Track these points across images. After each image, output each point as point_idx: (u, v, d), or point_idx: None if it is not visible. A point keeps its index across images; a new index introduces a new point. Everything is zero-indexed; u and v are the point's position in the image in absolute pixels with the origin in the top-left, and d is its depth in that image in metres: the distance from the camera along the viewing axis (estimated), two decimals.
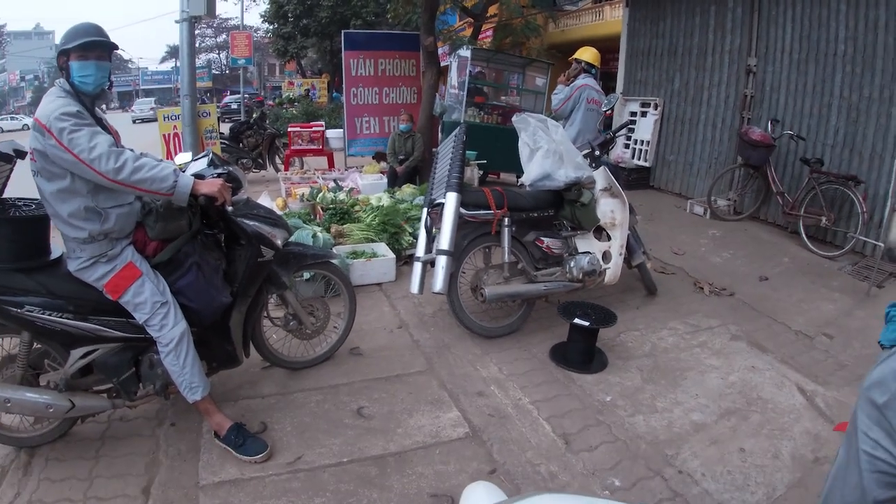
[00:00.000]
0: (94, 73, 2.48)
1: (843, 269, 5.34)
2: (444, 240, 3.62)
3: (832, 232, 5.83)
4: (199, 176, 2.65)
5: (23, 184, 2.74)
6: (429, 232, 4.00)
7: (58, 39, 2.63)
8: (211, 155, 2.97)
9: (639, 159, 8.65)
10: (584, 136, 5.53)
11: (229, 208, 2.76)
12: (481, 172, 9.21)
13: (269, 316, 3.40)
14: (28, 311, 2.45)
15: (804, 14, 6.16)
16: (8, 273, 2.45)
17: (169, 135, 7.50)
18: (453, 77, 11.01)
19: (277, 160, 11.34)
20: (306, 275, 4.07)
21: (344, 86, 10.07)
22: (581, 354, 3.67)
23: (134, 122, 32.99)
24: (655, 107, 8.36)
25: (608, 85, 10.08)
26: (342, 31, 10.34)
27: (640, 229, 4.86)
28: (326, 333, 3.63)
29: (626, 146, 8.82)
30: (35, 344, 2.66)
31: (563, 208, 4.13)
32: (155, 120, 7.95)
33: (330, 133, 11.15)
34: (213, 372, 3.01)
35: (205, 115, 7.56)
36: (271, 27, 27.72)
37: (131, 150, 2.50)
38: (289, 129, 10.93)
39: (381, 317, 4.40)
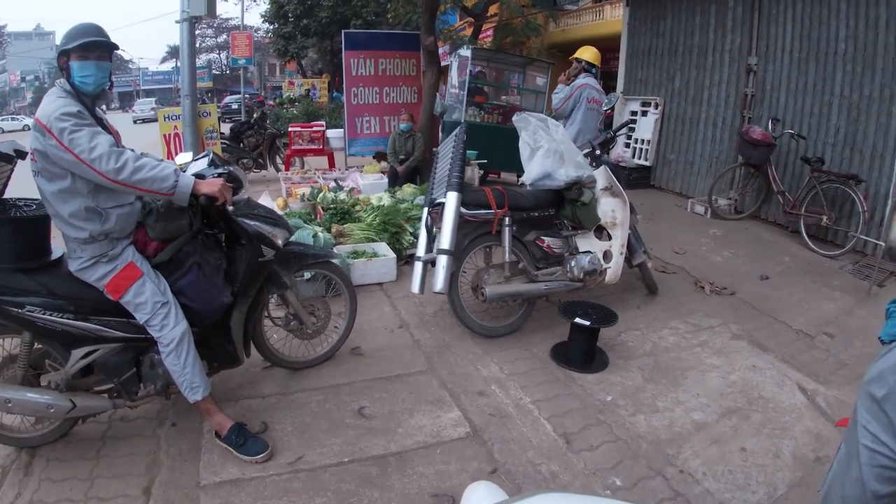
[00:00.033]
0: (94, 73, 2.48)
1: (843, 268, 5.34)
2: (445, 239, 3.61)
3: (833, 231, 5.82)
4: (199, 176, 2.64)
5: (23, 184, 2.74)
6: (429, 231, 4.00)
7: (58, 40, 2.63)
8: (211, 155, 2.96)
9: (639, 158, 8.64)
10: (585, 136, 5.52)
11: (230, 208, 2.76)
12: (482, 172, 9.21)
13: (270, 316, 3.40)
14: (29, 311, 2.45)
15: (804, 13, 6.15)
16: (9, 273, 2.45)
17: (169, 135, 7.51)
18: (454, 76, 11.02)
19: (278, 160, 11.35)
20: (307, 274, 4.07)
21: (344, 85, 10.07)
22: (582, 354, 3.67)
23: (135, 122, 33.04)
24: (656, 106, 8.35)
25: (609, 84, 10.07)
26: (342, 31, 10.34)
27: (640, 228, 4.86)
28: (327, 333, 3.63)
29: (627, 145, 8.81)
30: (36, 344, 2.66)
31: (564, 207, 4.13)
32: (156, 120, 7.94)
33: (330, 133, 11.15)
34: (214, 372, 3.01)
35: (205, 115, 7.56)
36: (272, 27, 27.70)
37: (132, 150, 2.50)
38: (289, 129, 10.93)
39: (382, 316, 4.40)
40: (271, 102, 27.52)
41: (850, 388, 3.39)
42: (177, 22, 6.76)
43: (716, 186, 6.93)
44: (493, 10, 12.21)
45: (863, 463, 1.38)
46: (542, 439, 2.94)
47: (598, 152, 4.51)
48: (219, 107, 16.16)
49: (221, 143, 8.69)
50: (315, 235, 4.90)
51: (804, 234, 5.84)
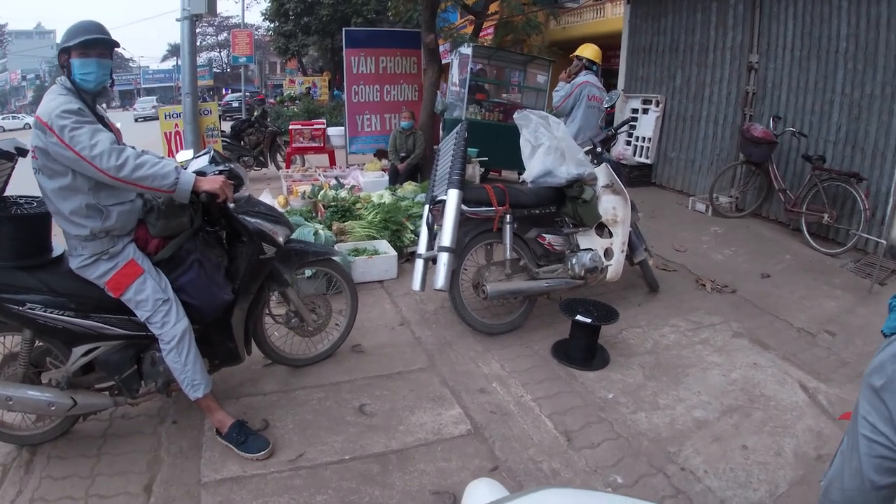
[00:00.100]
0: (95, 70, 2.48)
1: (845, 266, 5.33)
2: (446, 237, 3.61)
3: (834, 229, 5.81)
4: (200, 173, 2.64)
5: (24, 182, 2.74)
6: (430, 229, 3.99)
7: (59, 39, 2.64)
8: (212, 152, 2.96)
9: (640, 156, 8.62)
10: (585, 133, 5.52)
11: (231, 205, 2.76)
12: (483, 169, 9.20)
13: (271, 313, 3.40)
14: (30, 308, 2.45)
15: (805, 11, 6.14)
16: (9, 271, 2.45)
17: (170, 133, 7.51)
18: (454, 74, 11.01)
19: (279, 158, 11.35)
20: (308, 272, 4.07)
21: (345, 83, 10.05)
22: (583, 351, 3.67)
23: (136, 120, 33.06)
24: (657, 104, 8.34)
25: (609, 82, 10.04)
26: (343, 29, 10.33)
27: (641, 226, 4.86)
28: (328, 331, 3.63)
29: (628, 143, 8.80)
30: (37, 342, 2.66)
31: (565, 205, 4.13)
32: (157, 118, 7.95)
33: (331, 131, 11.15)
34: (215, 369, 3.01)
35: (206, 113, 7.57)
36: (272, 25, 27.69)
37: (132, 147, 2.50)
38: (290, 127, 10.93)
39: (383, 314, 4.40)
40: (272, 100, 27.54)
41: (852, 386, 3.39)
42: (177, 20, 6.77)
43: (717, 184, 6.91)
44: (493, 7, 12.17)
45: (862, 454, 1.39)
46: (544, 437, 2.94)
47: (599, 150, 4.51)
48: (219, 105, 16.15)
49: (222, 140, 8.69)
50: (316, 233, 4.90)
51: (805, 232, 5.83)
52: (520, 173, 9.00)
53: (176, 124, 7.42)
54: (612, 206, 4.30)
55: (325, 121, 11.99)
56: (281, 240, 3.02)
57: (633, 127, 8.62)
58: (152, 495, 2.52)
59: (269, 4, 26.02)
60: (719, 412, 3.17)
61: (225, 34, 45.73)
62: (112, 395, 2.78)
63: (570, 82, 5.81)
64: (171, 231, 2.66)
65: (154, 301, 2.56)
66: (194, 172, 2.60)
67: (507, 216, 3.85)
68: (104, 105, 3.01)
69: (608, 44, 10.49)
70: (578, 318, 3.57)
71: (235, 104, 28.23)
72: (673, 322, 4.25)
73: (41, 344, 2.70)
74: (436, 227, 3.92)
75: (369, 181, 7.93)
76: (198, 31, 7.65)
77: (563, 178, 3.98)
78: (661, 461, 2.77)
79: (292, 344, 3.58)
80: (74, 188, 2.41)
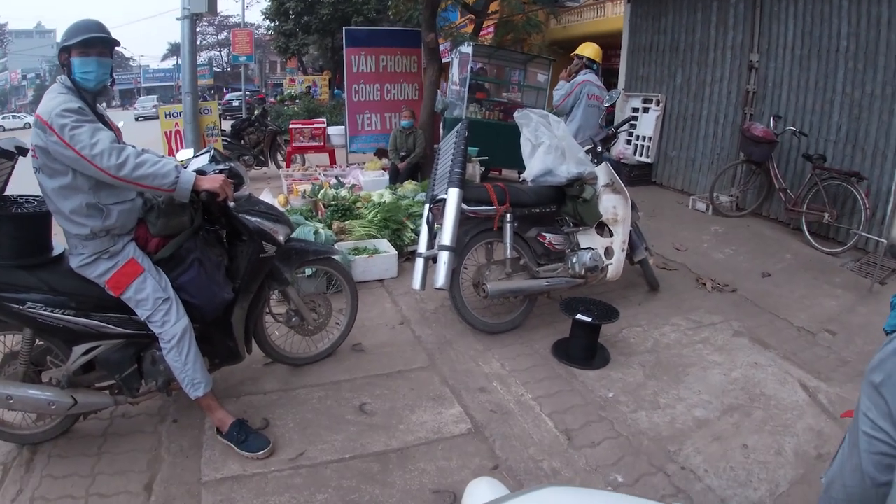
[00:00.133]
0: (95, 69, 2.48)
1: (845, 265, 5.33)
2: (446, 235, 3.61)
3: (835, 228, 5.81)
4: (200, 172, 2.64)
5: (25, 180, 2.74)
6: (431, 228, 4.00)
7: (59, 38, 2.64)
8: (213, 151, 2.96)
9: (641, 155, 8.62)
10: (585, 132, 5.51)
11: (231, 204, 2.76)
12: (483, 168, 9.20)
13: (272, 312, 3.40)
14: (30, 307, 2.45)
15: (806, 10, 6.13)
16: (10, 270, 2.45)
17: (171, 132, 7.51)
18: (455, 73, 11.01)
19: (279, 157, 11.35)
20: (308, 271, 4.07)
21: (345, 82, 10.05)
22: (583, 350, 3.67)
23: (137, 119, 33.07)
24: (657, 103, 8.34)
25: (610, 81, 10.03)
26: (343, 28, 10.33)
27: (642, 225, 4.86)
28: (328, 330, 3.63)
29: (628, 142, 8.80)
30: (37, 341, 2.66)
31: (566, 204, 4.13)
32: (157, 117, 7.96)
33: (331, 130, 11.14)
34: (216, 368, 3.01)
35: (206, 112, 7.56)
36: (272, 24, 27.65)
37: (133, 146, 2.50)
38: (290, 126, 10.93)
39: (383, 313, 4.40)
40: (272, 100, 27.53)
41: (852, 385, 3.39)
42: (178, 19, 6.77)
43: (717, 183, 6.91)
44: (494, 6, 12.17)
45: (862, 450, 1.40)
46: (544, 436, 2.94)
47: (599, 149, 4.51)
48: (220, 104, 16.16)
49: (222, 140, 8.68)
50: (316, 232, 4.90)
51: (806, 232, 5.83)
52: (520, 172, 9.00)
53: (176, 123, 7.42)
54: (612, 205, 4.30)
55: (325, 120, 11.98)
56: (281, 238, 3.02)
57: (634, 126, 8.62)
58: (153, 494, 2.52)
59: (270, 3, 25.98)
60: (720, 411, 3.17)
61: (225, 33, 45.75)
62: (112, 393, 2.78)
63: (570, 81, 5.81)
64: (172, 230, 2.66)
65: (154, 300, 2.56)
66: (195, 171, 2.59)
67: (508, 215, 3.85)
68: (104, 104, 3.00)
69: (609, 43, 10.48)
70: (579, 317, 3.57)
71: (236, 103, 28.23)
72: (673, 321, 4.25)
73: (41, 343, 2.70)
74: (436, 225, 3.92)
75: (369, 180, 7.93)
76: (198, 30, 7.64)
77: (563, 177, 3.98)
78: (662, 460, 2.77)
79: (292, 343, 3.58)
80: (75, 187, 2.41)
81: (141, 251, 2.62)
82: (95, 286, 2.55)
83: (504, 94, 11.68)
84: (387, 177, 8.16)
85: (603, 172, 4.36)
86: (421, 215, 4.68)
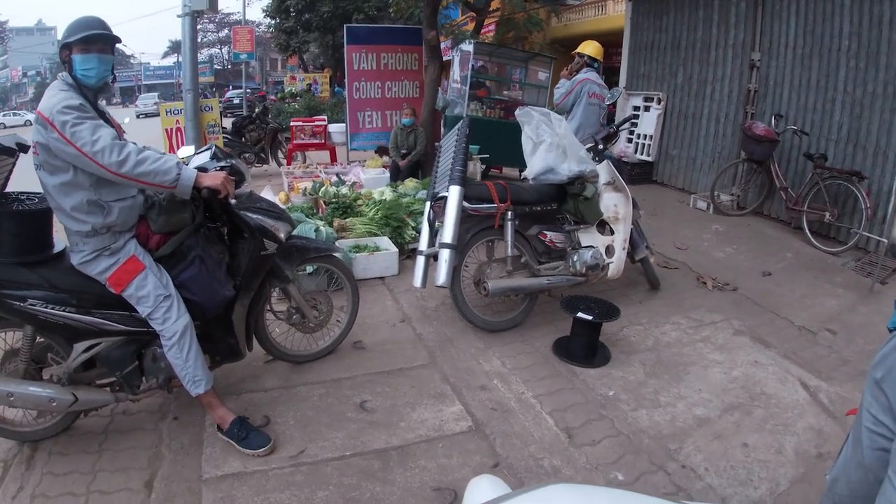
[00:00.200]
0: (96, 66, 2.48)
1: (846, 264, 5.32)
2: (448, 233, 3.61)
3: (836, 227, 5.81)
4: (202, 169, 2.64)
5: (25, 178, 2.74)
6: (432, 226, 3.99)
7: (60, 36, 2.64)
8: (214, 148, 2.96)
9: (642, 154, 8.62)
10: (585, 131, 5.51)
11: (232, 201, 2.76)
12: (484, 167, 9.19)
13: (272, 309, 3.41)
14: (31, 304, 2.45)
15: (808, 9, 6.12)
16: (11, 267, 2.45)
17: (171, 129, 7.50)
18: (456, 71, 11.00)
19: (280, 154, 11.35)
20: (309, 268, 4.08)
21: (346, 80, 10.04)
22: (584, 349, 3.67)
23: (138, 116, 33.06)
24: (659, 101, 8.33)
25: (611, 79, 10.04)
26: (344, 26, 10.30)
27: (643, 224, 4.86)
28: (329, 327, 3.63)
29: (630, 141, 8.79)
30: (38, 338, 2.66)
31: (567, 202, 4.13)
32: (158, 115, 7.95)
33: (332, 127, 11.14)
34: (216, 365, 3.01)
35: (207, 109, 7.55)
36: (273, 22, 27.58)
37: (134, 143, 2.50)
38: (291, 124, 10.93)
39: (384, 311, 4.40)
40: (273, 97, 27.50)
41: (853, 384, 3.39)
42: (178, 17, 6.75)
43: (718, 182, 6.91)
44: (495, 4, 12.17)
45: (864, 446, 1.40)
46: (544, 434, 2.94)
47: (601, 147, 4.50)
48: (220, 101, 16.12)
49: (223, 137, 8.68)
50: (317, 229, 4.90)
51: (807, 231, 5.83)
52: (521, 170, 9.00)
53: (177, 121, 7.41)
54: (613, 203, 4.30)
55: (326, 117, 11.98)
56: (282, 236, 3.02)
57: (635, 125, 8.61)
58: (153, 491, 2.52)
59: (270, 1, 25.93)
60: (720, 410, 3.17)
61: (226, 31, 45.73)
62: (113, 391, 2.78)
63: (571, 79, 5.80)
64: (173, 227, 2.66)
65: (155, 297, 2.56)
66: (196, 168, 2.59)
67: (509, 213, 3.85)
68: (104, 101, 3.00)
69: (610, 41, 10.48)
70: (580, 315, 3.57)
71: (236, 101, 28.20)
72: (674, 320, 4.25)
73: (42, 340, 2.70)
74: (437, 223, 3.91)
75: (370, 178, 7.92)
76: (199, 27, 7.64)
77: (564, 176, 3.98)
78: (662, 459, 2.77)
79: (293, 340, 3.58)
80: (76, 184, 2.41)
81: (142, 248, 2.62)
82: (96, 283, 2.55)
83: (505, 92, 11.68)
84: (387, 174, 8.15)
85: (604, 171, 4.35)
86: (422, 213, 4.68)
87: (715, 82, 7.46)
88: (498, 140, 9.02)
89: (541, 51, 13.36)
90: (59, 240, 2.67)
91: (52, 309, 2.48)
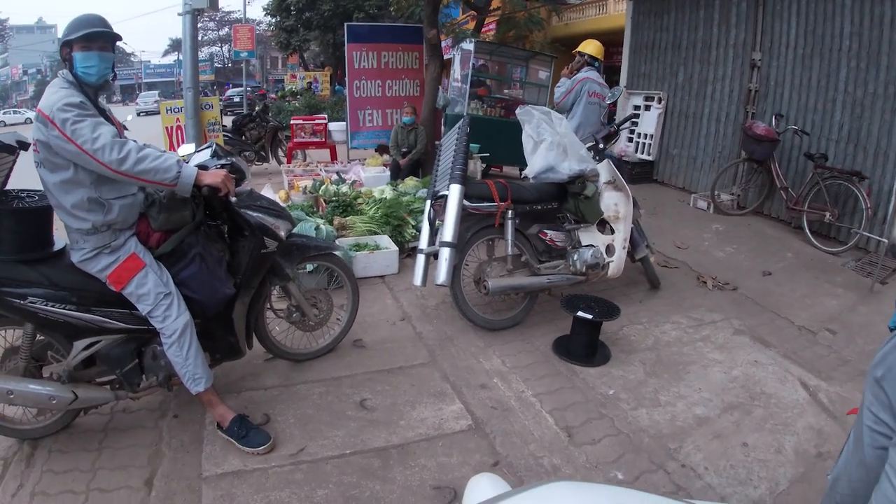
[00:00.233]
0: (97, 63, 2.47)
1: (846, 264, 5.32)
2: (448, 232, 3.60)
3: (836, 227, 5.81)
4: (202, 167, 2.64)
5: (26, 175, 2.74)
6: (432, 224, 3.99)
7: (60, 34, 2.64)
8: (214, 146, 2.95)
9: (642, 153, 8.62)
10: (585, 130, 5.50)
11: (233, 199, 2.76)
12: (484, 165, 9.19)
13: (273, 307, 3.41)
14: (31, 302, 2.45)
15: (809, 9, 6.12)
16: (11, 264, 2.45)
17: (172, 127, 7.50)
18: (456, 70, 10.98)
19: (280, 153, 11.35)
20: (309, 266, 4.08)
21: (347, 78, 10.03)
22: (584, 347, 3.67)
23: (139, 114, 33.07)
24: (659, 100, 8.33)
25: (612, 78, 10.04)
26: (345, 24, 10.30)
27: (643, 223, 4.86)
28: (329, 325, 3.63)
29: (630, 140, 8.79)
30: (38, 336, 2.66)
31: (567, 201, 4.13)
32: (159, 113, 7.95)
33: (333, 126, 11.13)
34: (216, 363, 3.01)
35: (207, 107, 7.54)
36: (274, 20, 27.58)
37: (134, 141, 2.50)
38: (291, 122, 10.92)
39: (384, 309, 4.40)
40: (273, 95, 27.47)
41: (852, 384, 3.40)
42: (179, 15, 6.75)
43: (719, 182, 6.91)
44: (495, 3, 12.17)
45: (866, 444, 1.41)
46: (544, 432, 2.94)
47: (601, 146, 4.50)
48: (221, 100, 16.11)
49: (223, 135, 8.68)
50: (317, 228, 4.90)
51: (807, 231, 5.83)
52: (521, 169, 9.00)
53: (177, 119, 7.41)
54: (613, 202, 4.29)
55: (326, 116, 11.97)
56: (283, 234, 3.02)
57: (636, 124, 8.61)
58: (153, 489, 2.52)
59: None
60: (720, 409, 3.18)
61: (226, 29, 45.75)
62: (113, 389, 2.79)
63: (571, 78, 5.80)
64: (173, 225, 2.66)
65: (156, 295, 2.56)
66: (196, 166, 2.59)
67: (509, 212, 3.85)
68: (105, 98, 3.00)
69: (611, 40, 10.49)
70: (580, 314, 3.57)
71: (237, 99, 28.17)
72: (674, 319, 4.25)
73: (42, 338, 2.70)
74: (437, 222, 3.91)
75: (370, 176, 7.92)
76: (199, 25, 7.63)
77: (565, 174, 3.98)
78: (662, 458, 2.77)
79: (293, 338, 3.58)
80: (76, 182, 2.41)
81: (142, 246, 2.62)
82: (96, 281, 2.55)
83: (506, 91, 11.66)
84: (388, 173, 8.14)
85: (605, 170, 4.35)
86: (422, 212, 4.67)
87: (716, 82, 7.46)
88: (498, 139, 9.01)
89: (541, 50, 13.37)
90: (60, 237, 2.67)
91: (52, 307, 2.48)
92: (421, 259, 3.93)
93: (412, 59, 10.04)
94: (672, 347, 3.86)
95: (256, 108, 12.51)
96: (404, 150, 8.42)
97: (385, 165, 8.63)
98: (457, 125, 3.98)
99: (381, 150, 9.63)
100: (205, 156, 2.86)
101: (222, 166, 2.72)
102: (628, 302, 4.47)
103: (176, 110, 7.42)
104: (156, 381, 2.77)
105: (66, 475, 2.58)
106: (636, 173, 8.23)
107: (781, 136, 6.26)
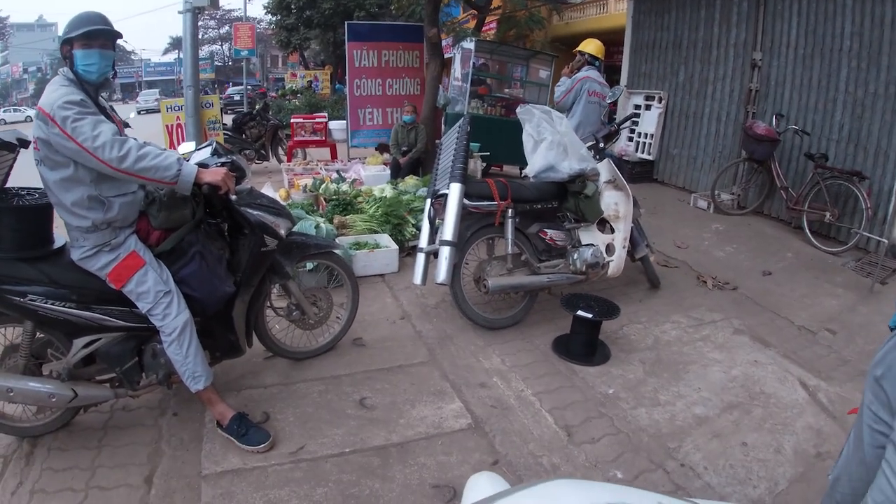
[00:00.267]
0: (97, 61, 2.47)
1: (846, 264, 5.33)
2: (448, 231, 3.60)
3: (836, 227, 5.81)
4: (202, 165, 2.64)
5: (26, 173, 2.74)
6: (432, 223, 3.99)
7: (60, 32, 2.63)
8: (214, 144, 2.95)
9: (642, 152, 8.62)
10: (585, 129, 5.50)
11: (233, 197, 2.76)
12: (484, 164, 9.19)
13: (272, 306, 3.40)
14: (31, 300, 2.45)
15: (810, 9, 6.12)
16: (11, 262, 2.45)
17: (172, 125, 7.50)
18: (457, 69, 10.98)
19: (280, 151, 11.34)
20: (309, 265, 4.07)
21: (347, 77, 10.03)
22: (584, 346, 3.67)
23: (139, 112, 33.06)
24: (660, 100, 8.33)
25: (612, 78, 10.04)
26: (345, 23, 10.30)
27: (643, 222, 4.85)
28: (329, 324, 3.63)
29: (630, 139, 8.79)
30: (38, 333, 2.66)
31: (567, 200, 4.13)
32: (159, 111, 7.95)
33: (333, 124, 11.13)
34: (216, 362, 3.01)
35: (208, 105, 7.55)
36: (274, 18, 27.56)
37: (135, 139, 2.50)
38: (292, 121, 10.92)
39: (384, 308, 4.40)
40: (273, 94, 27.46)
41: (852, 384, 3.40)
42: (179, 13, 6.76)
43: (719, 181, 6.91)
44: (496, 2, 12.17)
45: (866, 444, 1.41)
46: (544, 431, 2.94)
47: (601, 145, 4.50)
48: (221, 98, 16.15)
49: (224, 133, 8.68)
50: (317, 226, 4.89)
51: (807, 231, 5.83)
52: (521, 168, 8.99)
53: (178, 117, 7.41)
54: (613, 201, 4.29)
55: (326, 114, 11.97)
56: (283, 232, 3.02)
57: (636, 123, 8.61)
58: (153, 487, 2.52)
59: None
60: (719, 409, 3.18)
61: (227, 27, 45.71)
62: (113, 386, 2.79)
63: (572, 77, 5.80)
64: (173, 223, 2.66)
65: (155, 293, 2.56)
66: (196, 164, 2.59)
67: (509, 211, 3.85)
68: (106, 97, 3.00)
69: (611, 39, 10.48)
70: (579, 313, 3.57)
71: (237, 97, 28.18)
72: (674, 318, 4.25)
73: (42, 335, 2.70)
74: (437, 221, 3.91)
75: (371, 175, 7.92)
76: (200, 24, 7.63)
77: (565, 174, 3.98)
78: (661, 457, 2.78)
79: (293, 337, 3.58)
80: (76, 179, 2.40)
81: (142, 244, 2.62)
82: (96, 279, 2.55)
83: (506, 90, 11.65)
84: (388, 172, 8.15)
85: (605, 169, 4.35)
86: (422, 210, 4.67)
87: (716, 81, 7.46)
88: (499, 138, 9.00)
89: (542, 49, 13.38)
90: (60, 235, 2.67)
91: (52, 304, 2.48)
92: (421, 258, 3.93)
93: (413, 58, 10.04)
94: (672, 347, 3.86)
95: (257, 107, 12.51)
96: (404, 148, 8.42)
97: (385, 164, 8.63)
98: (457, 124, 3.98)
99: (382, 148, 9.63)
100: (205, 154, 2.86)
101: (222, 164, 2.72)
102: (628, 301, 4.47)
103: (176, 108, 7.44)
104: (155, 380, 2.77)
105: (66, 473, 2.58)
106: (636, 173, 8.23)
107: (782, 135, 6.26)
